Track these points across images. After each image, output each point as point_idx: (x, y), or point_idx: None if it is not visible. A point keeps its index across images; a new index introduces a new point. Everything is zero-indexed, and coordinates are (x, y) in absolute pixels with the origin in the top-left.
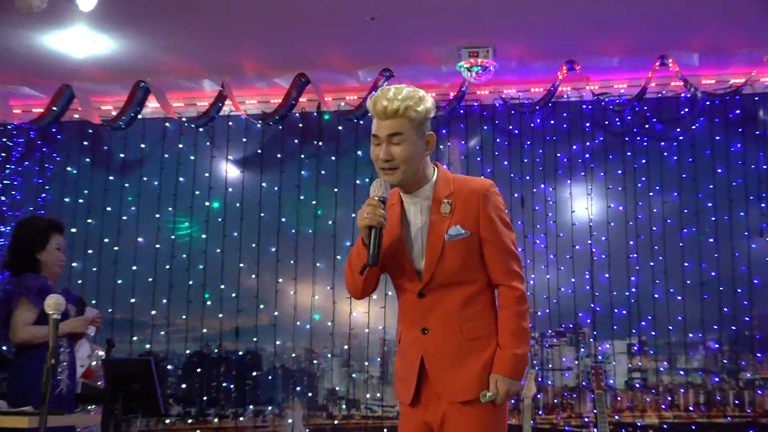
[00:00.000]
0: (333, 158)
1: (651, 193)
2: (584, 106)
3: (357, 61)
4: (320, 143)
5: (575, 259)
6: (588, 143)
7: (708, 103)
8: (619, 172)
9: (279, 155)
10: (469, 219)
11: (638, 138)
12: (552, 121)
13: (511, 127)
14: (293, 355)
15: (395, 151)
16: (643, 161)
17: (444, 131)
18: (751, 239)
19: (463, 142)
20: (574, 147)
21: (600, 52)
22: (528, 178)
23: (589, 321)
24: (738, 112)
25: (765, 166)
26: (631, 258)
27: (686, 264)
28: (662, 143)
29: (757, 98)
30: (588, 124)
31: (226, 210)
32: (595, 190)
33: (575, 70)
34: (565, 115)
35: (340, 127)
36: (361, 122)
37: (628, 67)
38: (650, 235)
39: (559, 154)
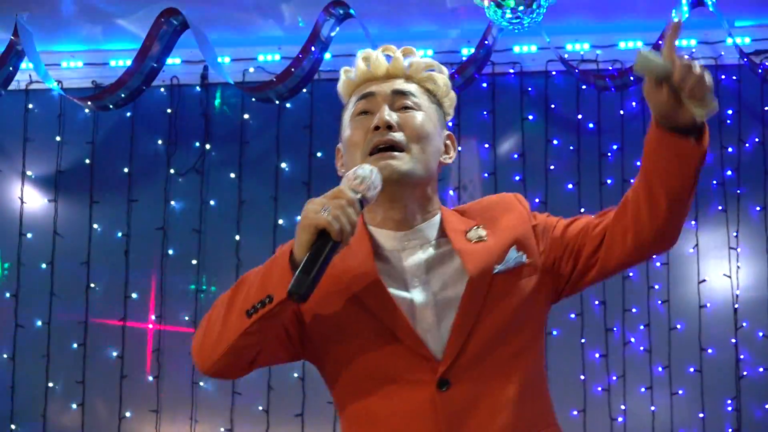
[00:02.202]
0: (231, 175)
1: None
2: (723, 77)
3: None
4: (208, 146)
5: (706, 375)
6: (731, 149)
7: None
8: None
9: (125, 169)
10: (520, 241)
11: None
12: None
13: (580, 116)
14: None
15: (408, 117)
16: None
17: (449, 125)
18: None
19: (486, 146)
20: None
21: None
22: None
23: None
24: None
25: None
26: None
27: None
28: None
29: None
30: (733, 112)
31: (20, 278)
32: (744, 239)
33: (707, 4)
34: None
35: (246, 116)
36: (288, 105)
37: None
38: None
39: None
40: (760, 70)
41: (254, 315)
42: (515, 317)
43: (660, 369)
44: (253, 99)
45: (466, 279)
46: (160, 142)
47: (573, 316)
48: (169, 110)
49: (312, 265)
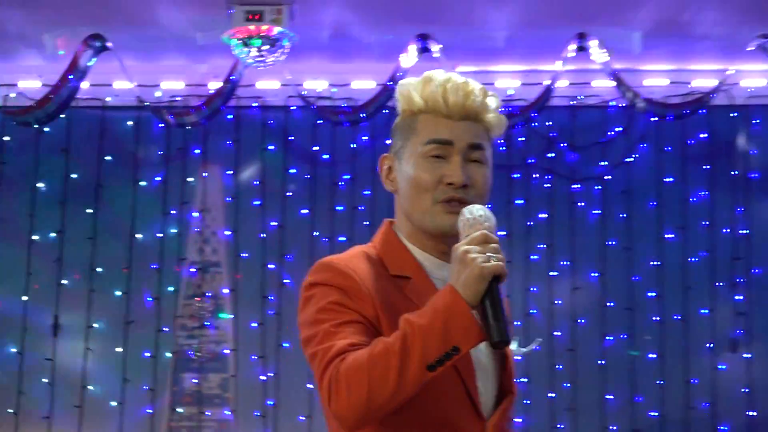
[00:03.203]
0: None
1: (553, 272)
2: None
3: (37, 19)
4: None
5: None
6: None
7: (655, 119)
8: (500, 233)
9: None
10: None
11: (535, 176)
12: (387, 141)
13: (316, 148)
14: None
15: (477, 175)
16: (542, 216)
17: (197, 151)
18: (716, 355)
19: (229, 172)
20: None
21: (473, 23)
22: (344, 239)
23: None
24: (704, 136)
25: (744, 230)
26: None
27: (609, 397)
28: (576, 186)
29: (734, 113)
30: None
31: None
32: None
33: (430, 51)
34: None
35: (6, 138)
36: (47, 129)
37: (520, 52)
38: (551, 346)
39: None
40: None
41: (439, 368)
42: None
43: None
44: (14, 122)
45: None
46: None
47: None
48: None
49: (502, 311)
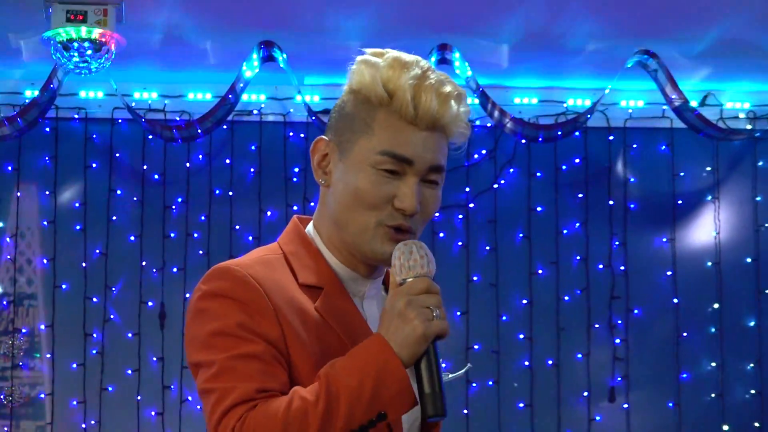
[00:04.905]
0: None
1: None
2: (291, 133)
3: None
4: None
5: None
6: (295, 207)
7: (523, 141)
8: None
9: None
10: None
11: None
12: (227, 160)
13: (146, 167)
14: None
15: (431, 199)
16: None
17: (9, 168)
18: (592, 405)
19: (47, 193)
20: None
21: (323, 30)
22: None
23: None
24: (578, 161)
25: (622, 266)
26: None
27: None
28: (436, 215)
29: (611, 137)
30: (300, 170)
31: None
32: None
33: (277, 59)
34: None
35: None
36: None
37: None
38: None
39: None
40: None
41: None
42: None
43: None
44: None
45: None
46: None
47: (129, 372)
48: None
49: (440, 377)
